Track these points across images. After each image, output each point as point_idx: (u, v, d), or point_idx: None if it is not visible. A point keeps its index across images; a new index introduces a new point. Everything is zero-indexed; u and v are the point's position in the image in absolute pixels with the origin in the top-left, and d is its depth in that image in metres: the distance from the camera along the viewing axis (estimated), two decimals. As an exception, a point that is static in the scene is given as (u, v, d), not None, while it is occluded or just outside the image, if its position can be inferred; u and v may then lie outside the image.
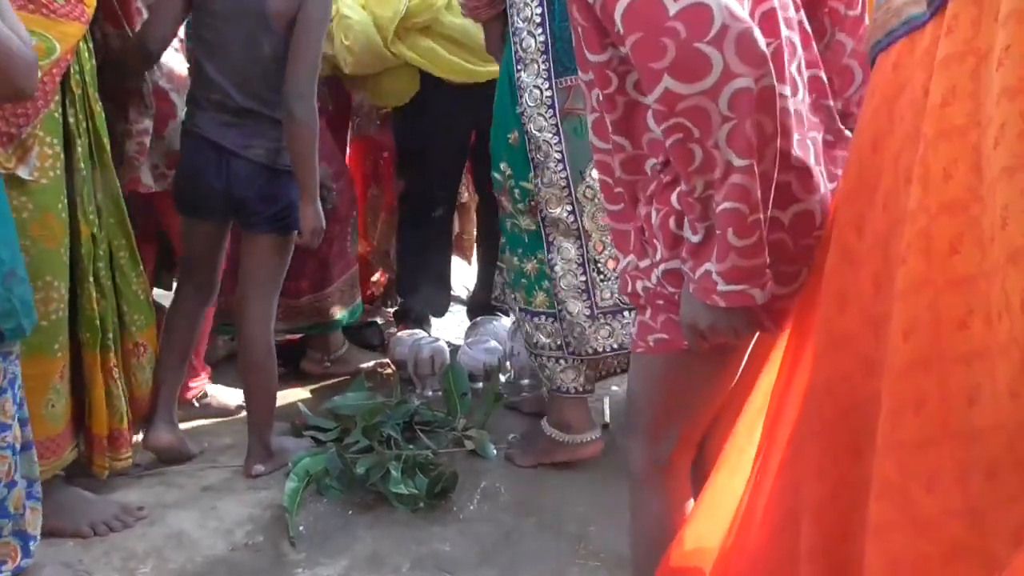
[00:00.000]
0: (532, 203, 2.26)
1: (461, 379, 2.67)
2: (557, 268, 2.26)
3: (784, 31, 1.30)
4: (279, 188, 2.25)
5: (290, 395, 2.84)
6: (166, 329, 2.35)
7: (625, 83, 1.30)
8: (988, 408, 0.94)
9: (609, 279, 2.23)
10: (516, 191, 2.27)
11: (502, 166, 2.30)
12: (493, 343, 2.98)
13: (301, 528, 2.14)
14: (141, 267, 2.18)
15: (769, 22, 1.28)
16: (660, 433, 1.48)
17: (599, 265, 2.24)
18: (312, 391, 2.97)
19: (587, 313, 2.26)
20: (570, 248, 2.24)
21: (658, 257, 1.33)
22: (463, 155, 3.15)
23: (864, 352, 1.11)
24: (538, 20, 2.14)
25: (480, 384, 2.90)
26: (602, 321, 2.26)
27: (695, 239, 1.23)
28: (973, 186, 0.96)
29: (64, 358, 1.98)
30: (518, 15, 2.17)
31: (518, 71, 2.18)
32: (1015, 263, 0.89)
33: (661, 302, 1.35)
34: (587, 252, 2.24)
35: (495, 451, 2.52)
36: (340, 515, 2.22)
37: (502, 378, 2.95)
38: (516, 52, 2.18)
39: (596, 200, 2.15)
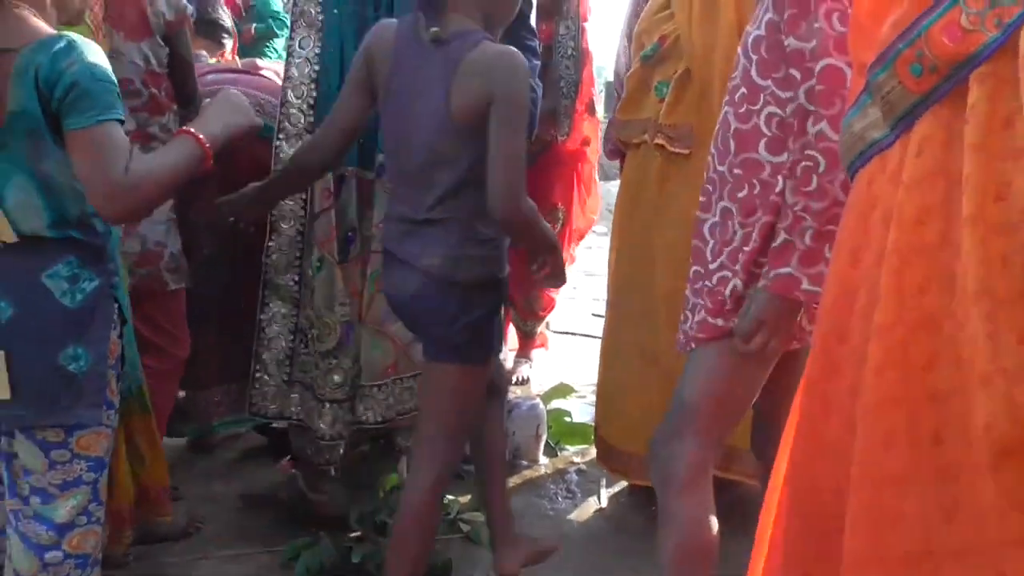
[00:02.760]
0: None
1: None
2: (268, 331, 2.29)
3: None
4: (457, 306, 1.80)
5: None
6: None
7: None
8: (966, 526, 0.94)
9: (312, 353, 2.26)
10: None
11: None
12: (488, 423, 2.94)
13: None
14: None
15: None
16: (710, 431, 1.68)
17: (306, 336, 2.28)
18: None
19: (285, 378, 2.30)
20: (286, 314, 2.29)
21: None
22: None
23: (846, 458, 1.11)
24: (311, 101, 2.22)
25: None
26: (295, 388, 2.30)
27: (777, 243, 1.57)
28: (946, 304, 0.99)
29: None
30: (292, 91, 2.22)
31: (279, 140, 2.23)
32: (984, 387, 0.92)
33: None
34: (299, 321, 2.29)
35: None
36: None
37: (498, 459, 2.91)
38: (282, 123, 2.23)
39: (315, 278, 2.23)
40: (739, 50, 1.72)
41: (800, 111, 1.57)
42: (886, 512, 1.03)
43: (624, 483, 2.79)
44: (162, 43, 2.22)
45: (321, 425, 2.26)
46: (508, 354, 3.85)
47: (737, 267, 1.66)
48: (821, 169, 1.51)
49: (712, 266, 1.71)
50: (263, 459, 2.89)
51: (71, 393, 1.49)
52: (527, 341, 3.87)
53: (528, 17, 3.26)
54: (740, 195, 1.68)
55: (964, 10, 0.99)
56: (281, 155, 2.21)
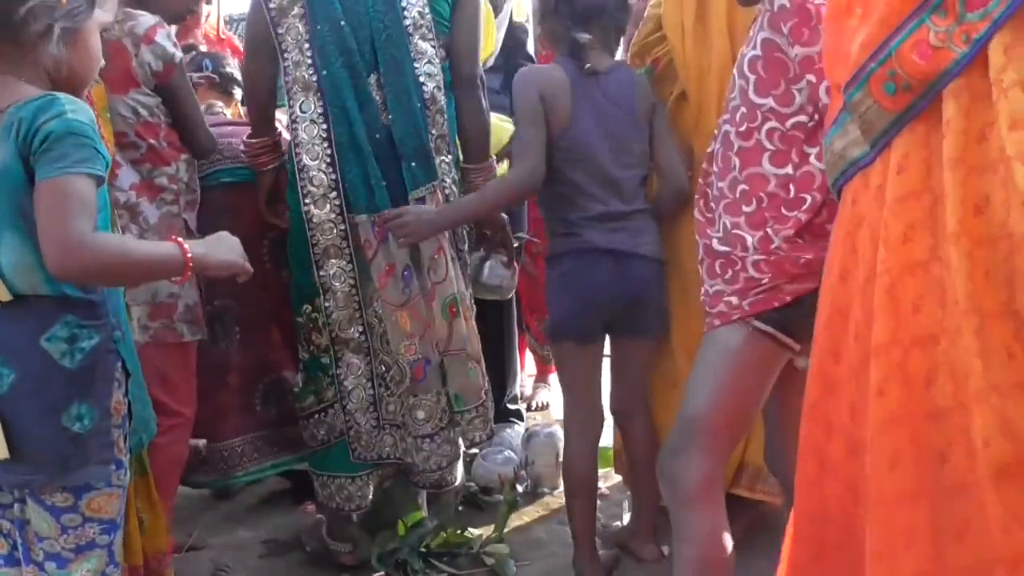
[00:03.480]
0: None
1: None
2: (347, 383, 2.34)
3: None
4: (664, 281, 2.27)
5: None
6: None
7: None
8: (976, 544, 0.93)
9: (394, 394, 2.33)
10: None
11: (307, 308, 2.37)
12: (508, 453, 2.95)
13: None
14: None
15: None
16: (716, 443, 1.72)
17: (385, 380, 2.33)
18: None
19: (373, 423, 2.35)
20: (359, 364, 2.33)
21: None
22: None
23: (851, 478, 1.10)
24: (329, 159, 2.26)
25: (499, 496, 2.86)
26: (387, 431, 2.36)
27: None
28: (940, 319, 0.98)
29: None
30: (306, 154, 2.27)
31: (307, 204, 2.28)
32: (978, 403, 0.91)
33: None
34: (374, 368, 2.34)
35: (515, 568, 2.46)
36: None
37: (519, 488, 2.90)
38: (305, 187, 2.27)
39: (382, 324, 2.29)
40: (734, 70, 1.74)
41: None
42: (899, 533, 1.03)
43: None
44: (151, 93, 2.20)
45: (416, 461, 2.35)
46: (527, 380, 3.85)
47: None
48: None
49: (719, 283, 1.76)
50: (286, 503, 2.90)
51: (79, 453, 1.50)
52: (545, 366, 3.86)
53: (524, 44, 3.30)
54: (747, 209, 1.71)
55: (931, 28, 0.99)
56: (314, 220, 2.27)
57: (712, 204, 1.80)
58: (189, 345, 2.36)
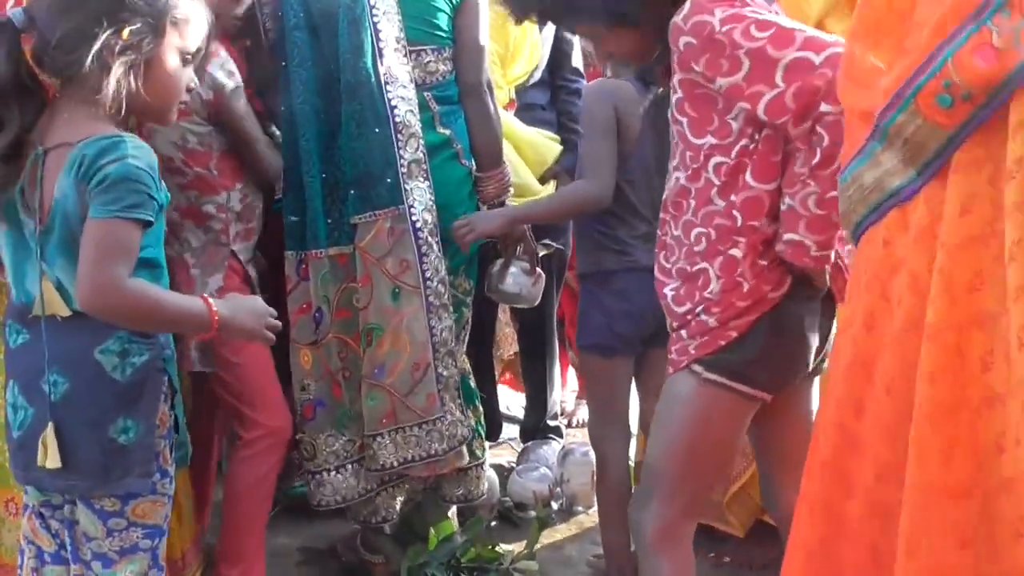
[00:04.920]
0: None
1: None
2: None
3: None
4: None
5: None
6: None
7: None
8: None
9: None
10: None
11: None
12: (543, 470, 2.90)
13: None
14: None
15: None
16: (673, 494, 1.69)
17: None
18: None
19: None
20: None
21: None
22: None
23: (872, 542, 1.03)
24: None
25: (532, 513, 2.81)
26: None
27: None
28: (1008, 377, 0.90)
29: None
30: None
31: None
32: None
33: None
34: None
35: (546, 586, 2.42)
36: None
37: (554, 505, 2.86)
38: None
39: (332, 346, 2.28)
40: (669, 116, 1.72)
41: (776, 130, 1.56)
42: (950, 525, 0.95)
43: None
44: (201, 122, 2.13)
45: (311, 491, 2.37)
46: (568, 396, 3.81)
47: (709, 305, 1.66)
48: (825, 143, 1.49)
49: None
50: (323, 512, 2.84)
51: (121, 464, 1.54)
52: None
53: (570, 58, 3.25)
54: (698, 249, 1.67)
55: (993, 30, 0.92)
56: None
57: (669, 254, 1.75)
58: (248, 361, 2.22)
